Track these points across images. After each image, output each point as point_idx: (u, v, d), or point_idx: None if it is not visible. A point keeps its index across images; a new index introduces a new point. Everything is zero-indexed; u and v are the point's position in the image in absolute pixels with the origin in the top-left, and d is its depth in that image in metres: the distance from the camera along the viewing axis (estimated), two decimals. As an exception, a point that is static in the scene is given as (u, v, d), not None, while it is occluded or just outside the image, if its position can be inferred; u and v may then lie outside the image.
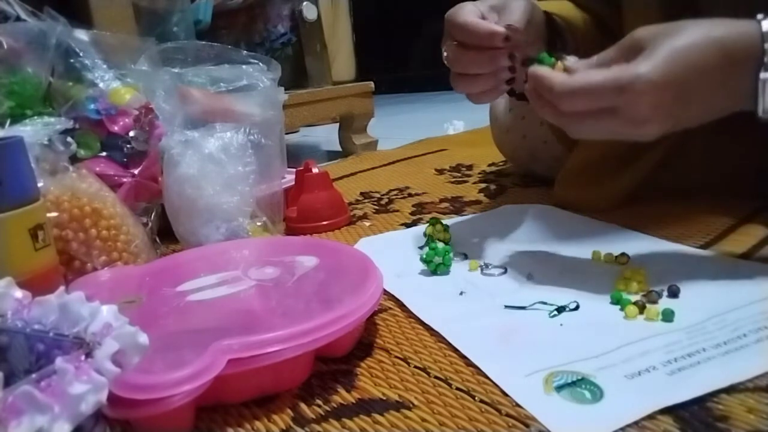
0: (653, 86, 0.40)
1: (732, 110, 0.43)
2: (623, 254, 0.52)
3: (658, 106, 0.41)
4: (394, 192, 0.94)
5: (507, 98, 0.88)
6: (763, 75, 0.40)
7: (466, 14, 0.50)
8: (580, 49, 0.68)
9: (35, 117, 0.55)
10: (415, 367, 0.40)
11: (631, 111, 0.41)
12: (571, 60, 0.46)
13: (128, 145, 0.62)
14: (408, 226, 0.73)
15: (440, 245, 0.54)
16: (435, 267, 0.54)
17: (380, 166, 1.19)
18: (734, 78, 0.41)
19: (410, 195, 0.91)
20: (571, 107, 0.42)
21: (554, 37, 0.61)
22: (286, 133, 1.21)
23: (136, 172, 0.62)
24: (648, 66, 0.40)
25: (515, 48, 0.49)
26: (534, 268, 0.53)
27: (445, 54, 0.52)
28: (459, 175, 1.03)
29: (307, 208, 0.76)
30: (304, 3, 1.31)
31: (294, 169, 0.82)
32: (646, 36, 0.42)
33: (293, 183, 0.80)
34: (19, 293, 0.29)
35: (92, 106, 0.60)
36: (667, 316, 0.41)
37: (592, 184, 0.68)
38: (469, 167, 1.08)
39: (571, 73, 0.44)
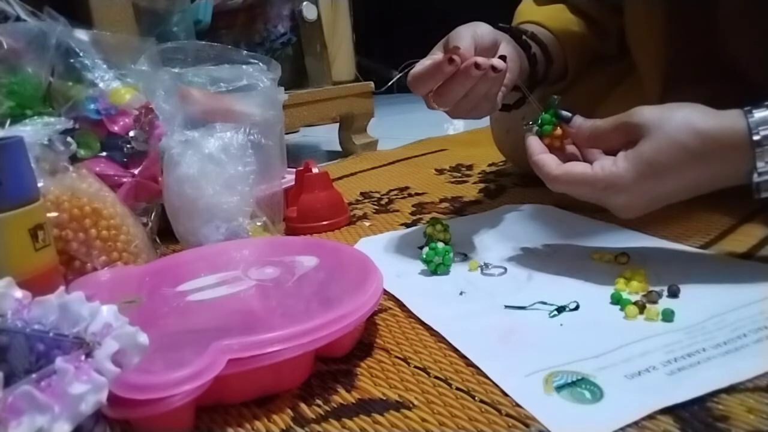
0: (625, 192, 0.45)
1: (719, 188, 0.45)
2: (623, 254, 0.52)
3: (630, 204, 0.47)
4: (394, 192, 0.94)
5: (506, 100, 0.88)
6: (756, 178, 0.42)
7: (414, 69, 0.52)
8: (566, 58, 0.69)
9: (35, 117, 0.55)
10: (415, 367, 0.40)
11: (607, 204, 0.47)
12: (576, 121, 0.51)
13: (128, 145, 0.62)
14: (408, 226, 0.73)
15: (440, 245, 0.54)
16: (435, 267, 0.54)
17: (380, 166, 1.19)
18: (722, 168, 0.44)
19: (410, 195, 0.91)
20: (557, 190, 0.49)
21: (530, 48, 0.62)
22: (286, 133, 1.21)
23: (136, 172, 0.62)
24: (623, 175, 0.45)
25: (465, 57, 0.50)
26: (534, 268, 0.53)
27: (433, 105, 0.54)
28: (459, 175, 1.03)
29: (307, 208, 0.76)
30: (304, 3, 1.30)
31: (294, 169, 0.82)
32: (637, 124, 0.45)
33: (293, 183, 0.80)
34: (19, 293, 0.29)
35: (92, 106, 0.60)
36: (667, 316, 0.41)
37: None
38: (469, 167, 1.08)
39: (572, 137, 0.51)
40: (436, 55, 0.53)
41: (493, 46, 0.55)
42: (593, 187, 0.46)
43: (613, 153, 0.47)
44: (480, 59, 0.49)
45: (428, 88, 0.52)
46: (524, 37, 0.62)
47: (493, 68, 0.50)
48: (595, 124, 0.49)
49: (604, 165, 0.46)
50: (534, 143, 0.51)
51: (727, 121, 0.43)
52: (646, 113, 0.45)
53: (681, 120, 0.44)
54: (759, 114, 0.42)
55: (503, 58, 0.51)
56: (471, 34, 0.53)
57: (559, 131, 0.51)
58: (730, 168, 0.43)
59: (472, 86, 0.51)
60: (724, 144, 0.42)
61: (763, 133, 0.41)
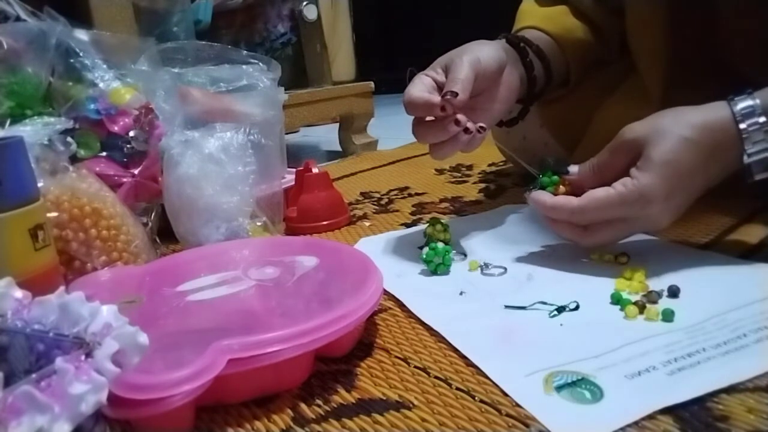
0: (657, 200, 0.46)
1: (728, 174, 0.48)
2: (623, 254, 0.52)
3: (664, 211, 0.47)
4: (394, 192, 0.94)
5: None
6: (746, 159, 0.45)
7: (412, 90, 0.53)
8: (569, 66, 0.69)
9: (35, 117, 0.55)
10: (415, 367, 0.40)
11: (641, 219, 0.48)
12: (572, 170, 0.52)
13: (128, 145, 0.62)
14: (408, 226, 0.73)
15: (440, 245, 0.54)
16: (435, 267, 0.54)
17: (380, 166, 1.19)
18: (722, 156, 0.46)
19: (410, 195, 0.91)
20: (587, 221, 0.49)
21: (529, 55, 0.63)
22: (286, 133, 1.21)
23: (136, 172, 0.62)
24: (648, 184, 0.46)
25: (459, 110, 0.51)
26: (534, 268, 0.53)
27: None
28: (459, 175, 1.03)
29: (307, 208, 0.76)
30: (304, 3, 1.31)
31: (294, 169, 0.82)
32: (634, 139, 0.48)
33: (293, 183, 0.80)
34: (19, 293, 0.29)
35: (92, 106, 0.60)
36: (667, 316, 0.41)
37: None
38: (469, 167, 1.08)
39: (577, 183, 0.52)
40: (438, 79, 0.54)
41: (497, 72, 0.56)
42: (625, 204, 0.46)
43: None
44: (471, 125, 0.51)
45: (418, 115, 0.54)
46: (529, 57, 0.62)
47: (480, 129, 0.52)
48: (593, 161, 0.51)
49: (625, 182, 0.47)
50: (540, 195, 0.52)
51: (713, 112, 0.46)
52: (637, 127, 0.48)
53: (674, 119, 0.46)
54: (742, 103, 0.45)
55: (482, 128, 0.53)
56: (472, 64, 0.53)
57: (562, 189, 0.53)
58: (729, 153, 0.46)
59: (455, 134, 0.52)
60: (717, 131, 0.45)
61: (747, 120, 0.45)
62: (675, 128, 0.46)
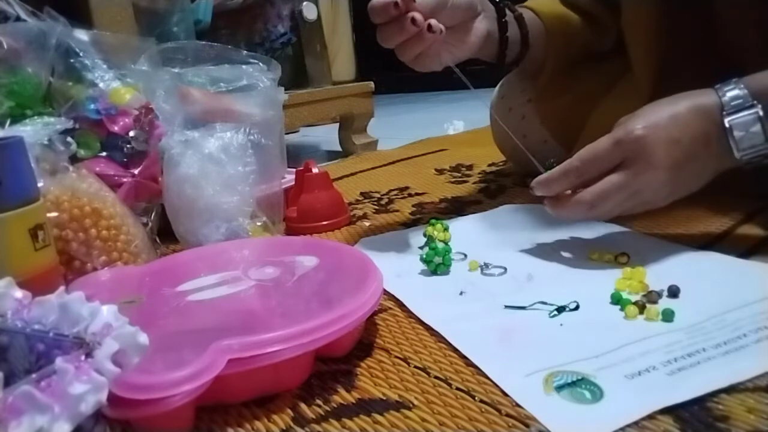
0: (645, 129, 0.47)
1: (727, 167, 0.49)
2: (623, 254, 0.52)
3: (657, 145, 0.47)
4: (394, 192, 0.94)
5: (506, 99, 0.88)
6: (726, 120, 0.46)
7: None
8: (548, 50, 0.70)
9: (35, 117, 0.55)
10: (415, 367, 0.40)
11: (636, 158, 0.47)
12: None
13: (128, 145, 0.62)
14: (408, 226, 0.73)
15: (440, 245, 0.54)
16: (435, 267, 0.54)
17: (380, 166, 1.19)
18: (715, 135, 0.47)
19: (410, 195, 0.91)
20: (585, 176, 0.49)
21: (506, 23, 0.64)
22: (286, 133, 1.21)
23: (136, 172, 0.62)
24: (635, 119, 0.48)
25: (413, 10, 0.52)
26: (534, 268, 0.53)
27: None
28: (459, 175, 1.03)
29: (307, 208, 0.76)
30: (304, 3, 1.31)
31: (294, 169, 0.82)
32: (623, 120, 0.50)
33: (293, 183, 0.80)
34: (19, 293, 0.29)
35: (92, 106, 0.60)
36: (667, 316, 0.41)
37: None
38: (469, 167, 1.08)
39: None
40: None
41: (467, 11, 0.57)
42: (615, 142, 0.47)
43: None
44: (433, 22, 0.51)
45: (378, 19, 0.53)
46: (504, 19, 0.64)
47: (429, 27, 0.51)
48: None
49: (615, 130, 0.49)
50: (539, 177, 0.52)
51: (697, 92, 0.49)
52: (629, 115, 0.50)
53: (663, 101, 0.49)
54: (727, 88, 0.47)
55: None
56: None
57: None
58: (718, 128, 0.47)
59: (409, 38, 0.53)
60: (697, 95, 0.48)
61: (728, 94, 0.47)
62: (667, 101, 0.49)
